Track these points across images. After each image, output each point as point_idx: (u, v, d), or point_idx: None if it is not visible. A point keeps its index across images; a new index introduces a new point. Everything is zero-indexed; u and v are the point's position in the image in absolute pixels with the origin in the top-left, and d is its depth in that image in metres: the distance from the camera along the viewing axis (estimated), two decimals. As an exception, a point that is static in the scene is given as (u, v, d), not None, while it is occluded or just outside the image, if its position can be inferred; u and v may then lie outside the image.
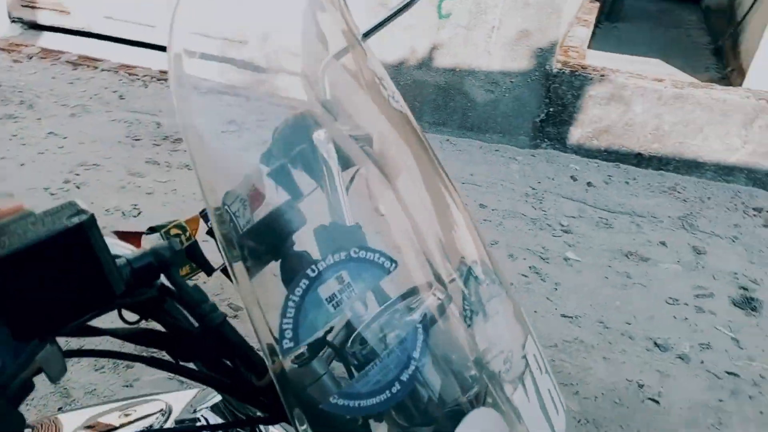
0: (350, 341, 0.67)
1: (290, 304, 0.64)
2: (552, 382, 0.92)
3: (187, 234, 0.92)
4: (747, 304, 2.80)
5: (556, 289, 2.80)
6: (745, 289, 2.90)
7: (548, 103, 3.84)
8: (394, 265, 0.71)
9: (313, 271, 0.66)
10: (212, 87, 0.75)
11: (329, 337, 0.67)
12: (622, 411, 2.24)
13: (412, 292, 0.73)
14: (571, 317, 2.65)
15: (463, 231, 0.92)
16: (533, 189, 3.55)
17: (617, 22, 6.09)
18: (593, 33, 5.12)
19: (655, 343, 2.54)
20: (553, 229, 3.22)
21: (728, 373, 2.42)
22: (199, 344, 0.66)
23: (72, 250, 0.49)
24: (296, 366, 0.64)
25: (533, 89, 3.84)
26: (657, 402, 2.28)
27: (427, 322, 0.71)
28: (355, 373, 0.66)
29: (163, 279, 0.65)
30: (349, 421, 0.65)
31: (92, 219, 0.50)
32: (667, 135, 3.74)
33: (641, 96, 3.70)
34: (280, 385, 0.60)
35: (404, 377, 0.66)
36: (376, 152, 0.85)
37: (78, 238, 0.49)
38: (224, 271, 0.75)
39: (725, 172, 3.75)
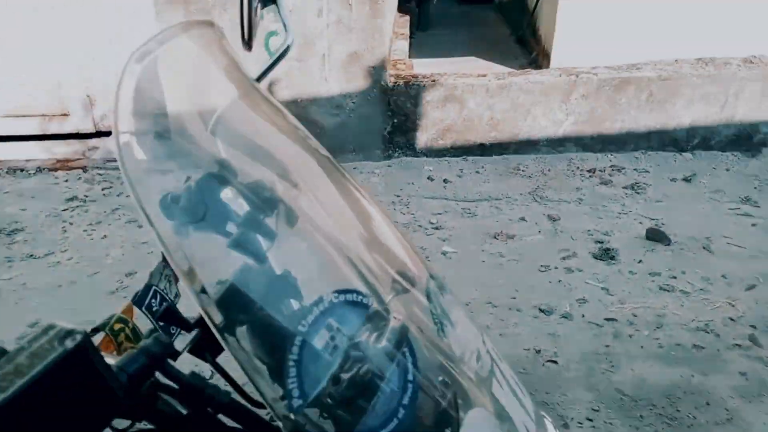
0: (350, 383, 0.69)
1: (290, 363, 0.66)
2: (509, 368, 1.00)
3: (130, 324, 0.92)
4: (605, 254, 3.13)
5: (443, 283, 2.96)
6: (600, 242, 3.24)
7: (391, 116, 4.04)
8: (370, 299, 0.76)
9: (303, 326, 0.69)
10: (157, 166, 0.75)
11: (329, 384, 0.69)
12: (529, 378, 2.42)
13: (374, 317, 0.76)
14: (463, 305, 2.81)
15: (398, 247, 0.98)
16: (398, 196, 3.71)
17: (428, 30, 6.52)
18: (410, 44, 5.44)
19: (540, 309, 2.76)
20: (425, 229, 3.39)
21: (607, 319, 2.70)
22: (204, 430, 0.66)
23: (75, 372, 0.48)
24: (308, 420, 0.65)
25: (375, 105, 4.02)
26: (556, 362, 2.48)
27: (411, 344, 0.75)
28: (364, 411, 0.69)
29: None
30: None
31: (87, 336, 0.49)
32: (502, 122, 4.08)
33: (471, 93, 4.00)
34: None
35: (405, 401, 0.71)
36: (286, 191, 0.87)
37: (79, 359, 0.48)
38: (192, 351, 0.74)
39: (557, 143, 4.16)
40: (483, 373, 0.89)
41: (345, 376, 0.68)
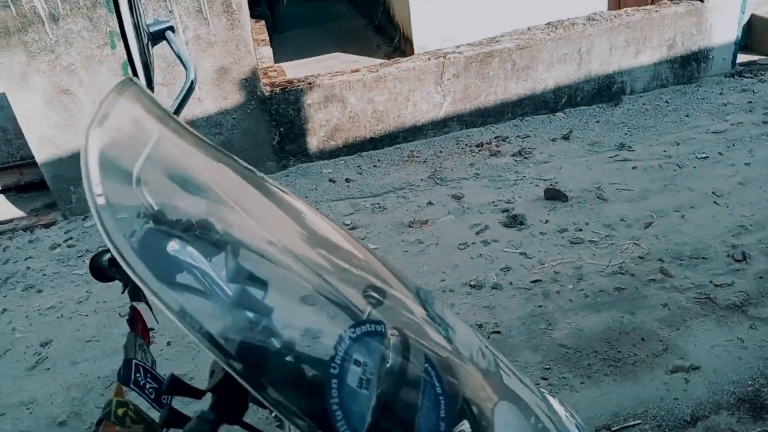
0: (392, 411, 0.71)
1: (334, 407, 0.66)
2: (504, 357, 1.04)
3: (131, 406, 0.89)
4: (514, 221, 3.28)
5: (372, 282, 2.97)
6: (506, 211, 3.39)
7: (276, 125, 3.96)
8: (381, 326, 0.77)
9: (335, 368, 0.69)
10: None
11: (374, 417, 0.70)
12: (479, 354, 2.49)
13: (389, 341, 0.77)
14: (398, 299, 2.84)
15: (378, 265, 0.97)
16: (304, 205, 3.66)
17: (284, 32, 6.45)
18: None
19: (471, 285, 2.85)
20: (340, 233, 3.37)
21: (533, 282, 2.83)
22: None
23: None
24: None
25: (257, 118, 3.92)
26: (499, 332, 2.58)
27: (430, 359, 0.78)
28: None
29: None
30: None
31: None
32: (385, 113, 4.13)
33: (350, 89, 4.01)
34: None
35: (442, 414, 0.73)
36: (228, 231, 0.87)
37: None
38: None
39: (441, 125, 4.28)
40: (492, 369, 0.93)
41: (385, 405, 0.70)
